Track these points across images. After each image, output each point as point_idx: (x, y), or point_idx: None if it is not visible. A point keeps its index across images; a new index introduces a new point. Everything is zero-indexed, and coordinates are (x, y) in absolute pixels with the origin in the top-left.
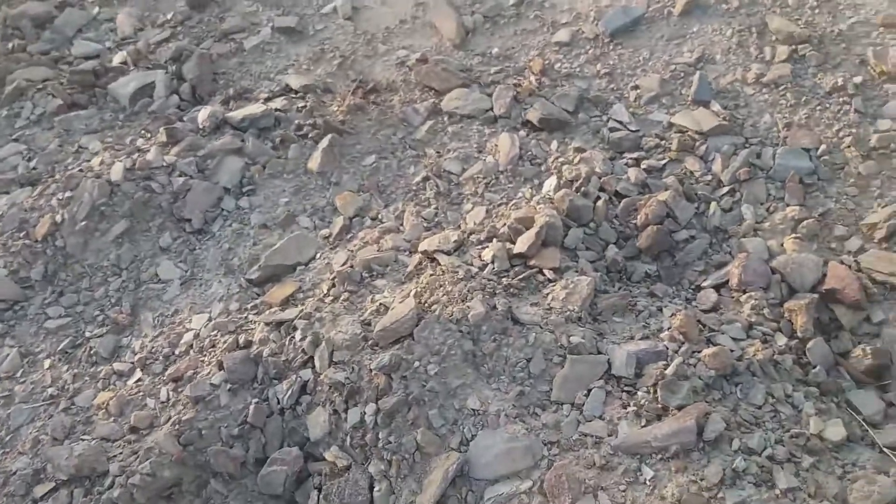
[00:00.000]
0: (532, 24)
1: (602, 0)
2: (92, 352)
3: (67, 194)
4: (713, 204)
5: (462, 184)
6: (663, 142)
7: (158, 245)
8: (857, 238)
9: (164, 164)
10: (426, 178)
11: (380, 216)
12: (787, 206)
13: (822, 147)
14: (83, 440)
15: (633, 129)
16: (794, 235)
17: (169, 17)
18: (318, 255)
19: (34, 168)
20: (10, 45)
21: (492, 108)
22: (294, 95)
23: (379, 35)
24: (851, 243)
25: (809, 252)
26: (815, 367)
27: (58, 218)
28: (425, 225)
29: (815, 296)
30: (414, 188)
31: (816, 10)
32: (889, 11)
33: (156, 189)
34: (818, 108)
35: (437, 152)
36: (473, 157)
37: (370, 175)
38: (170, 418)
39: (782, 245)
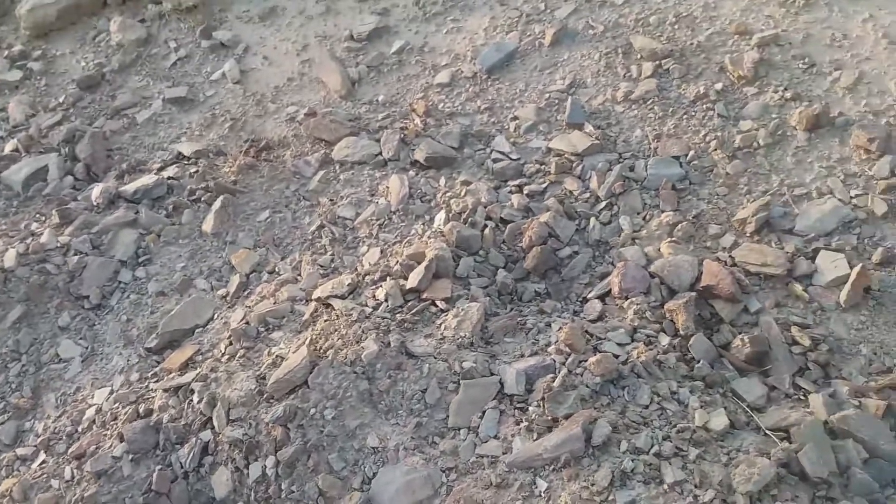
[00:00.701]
0: (414, 69)
1: (477, 39)
2: None
3: None
4: (592, 219)
5: (357, 228)
6: (543, 166)
7: (57, 325)
8: (730, 234)
9: (59, 244)
10: (321, 227)
11: (277, 269)
12: (662, 212)
13: (691, 153)
14: None
15: (515, 157)
16: (669, 239)
17: (61, 100)
18: (215, 316)
19: None
20: None
21: (381, 153)
22: (187, 162)
23: (268, 94)
24: (726, 240)
25: (685, 253)
26: (698, 362)
27: None
28: (321, 272)
29: (693, 294)
30: (310, 237)
31: (676, 26)
32: (741, 20)
33: (51, 270)
34: (684, 116)
35: (331, 200)
36: (366, 201)
37: (265, 230)
38: (74, 497)
39: (659, 250)
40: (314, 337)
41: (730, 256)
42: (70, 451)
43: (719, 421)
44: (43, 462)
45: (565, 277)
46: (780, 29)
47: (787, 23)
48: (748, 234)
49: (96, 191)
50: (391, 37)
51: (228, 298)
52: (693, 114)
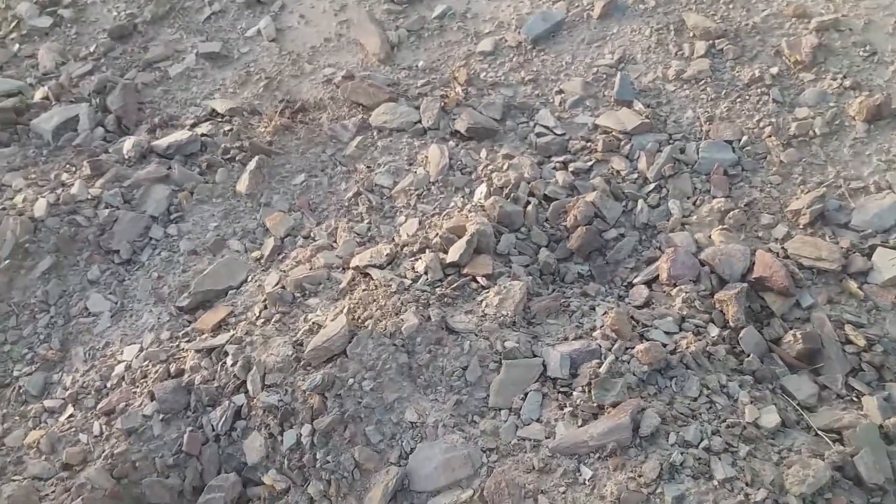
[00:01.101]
0: (456, 36)
1: (523, 7)
2: (21, 391)
3: None
4: (640, 201)
5: (394, 197)
6: (589, 143)
7: (87, 278)
8: (783, 225)
9: (89, 196)
10: (358, 194)
11: (312, 234)
12: (714, 198)
13: (745, 138)
14: (14, 481)
15: (560, 132)
16: (721, 227)
17: (91, 49)
18: (249, 278)
19: None
20: None
21: (420, 121)
22: (220, 119)
23: (304, 55)
24: (778, 230)
25: (737, 242)
26: (748, 356)
27: None
28: (358, 240)
29: (745, 285)
30: (346, 204)
31: (731, 5)
32: (799, 2)
33: (81, 222)
34: (738, 100)
35: (368, 167)
36: (404, 170)
37: (301, 194)
38: (103, 453)
39: (710, 237)
40: (352, 306)
41: (782, 248)
42: (99, 406)
43: (771, 418)
44: (71, 416)
45: (610, 260)
46: (841, 14)
47: (848, 7)
48: (801, 226)
49: (128, 143)
50: (433, 1)
51: (262, 261)
52: (747, 97)
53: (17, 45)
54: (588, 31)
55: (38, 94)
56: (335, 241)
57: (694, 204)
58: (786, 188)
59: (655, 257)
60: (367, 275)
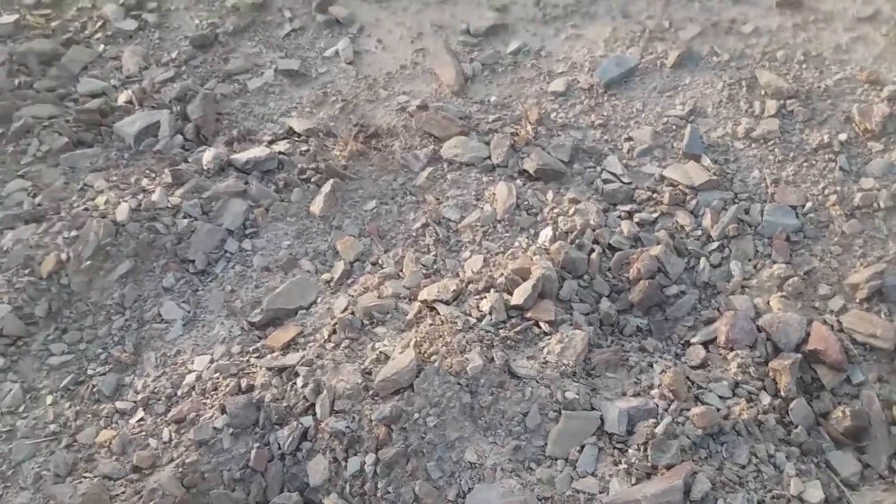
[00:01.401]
0: (529, 73)
1: (597, 49)
2: (94, 389)
3: (73, 233)
4: (703, 259)
5: (460, 231)
6: (655, 195)
7: (162, 285)
8: (839, 297)
9: (169, 205)
10: (425, 225)
11: (380, 261)
12: (774, 263)
13: (809, 204)
14: (85, 478)
15: (626, 181)
16: (780, 294)
17: (174, 55)
18: (319, 300)
19: (39, 205)
20: (16, 82)
21: (489, 157)
22: (297, 139)
23: (380, 80)
24: (834, 302)
25: (794, 311)
26: (796, 427)
27: (63, 256)
28: (424, 272)
29: (799, 356)
30: (413, 234)
31: (804, 65)
32: (873, 68)
33: (160, 230)
34: (805, 164)
35: (437, 199)
36: (471, 205)
37: (371, 220)
38: (172, 459)
39: (768, 303)
40: (419, 339)
41: (837, 321)
42: (170, 414)
43: (815, 493)
44: (141, 419)
45: (669, 317)
46: None
47: None
48: (858, 301)
49: (208, 155)
50: (508, 36)
51: (332, 284)
52: (814, 163)
53: (101, 46)
54: (660, 80)
55: (122, 98)
56: (402, 270)
57: (755, 267)
58: (846, 259)
59: (714, 318)
60: (433, 308)
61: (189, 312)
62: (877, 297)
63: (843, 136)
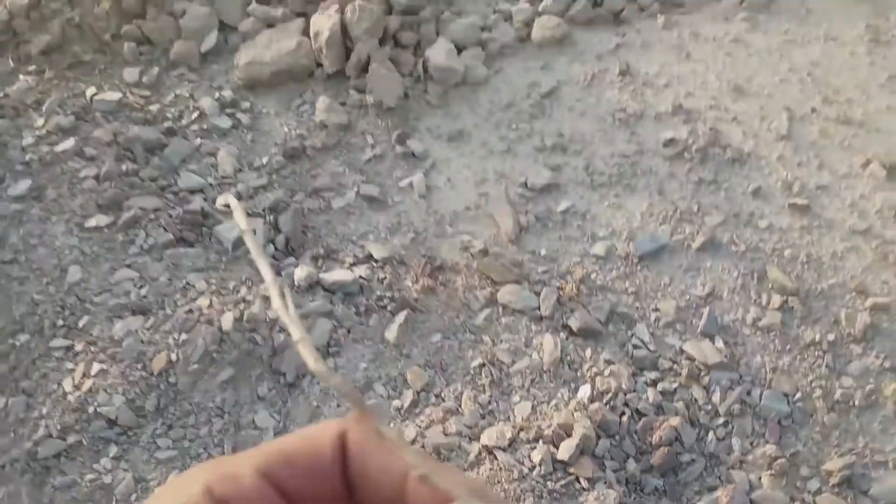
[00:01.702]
0: (575, 233)
1: (634, 221)
2: None
3: (183, 336)
4: (711, 432)
5: (511, 375)
6: (675, 366)
7: (257, 393)
8: (816, 480)
9: (267, 319)
10: (482, 365)
11: (442, 394)
12: (767, 443)
13: (798, 394)
14: None
15: (652, 349)
16: (769, 471)
17: (264, 161)
18: (391, 426)
19: (144, 297)
20: (123, 168)
21: (539, 307)
22: (375, 264)
23: (447, 217)
24: (812, 484)
25: (779, 488)
26: None
27: (173, 356)
28: (481, 412)
29: None
30: (471, 372)
31: (806, 266)
32: (861, 279)
33: (258, 341)
34: (798, 357)
35: (493, 341)
36: (522, 352)
37: (435, 353)
38: None
39: (760, 479)
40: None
41: (814, 501)
42: None
43: None
44: None
45: (681, 481)
46: (893, 298)
47: None
48: (831, 486)
49: (300, 272)
50: (560, 195)
51: (402, 412)
52: (805, 357)
53: (198, 140)
54: (686, 260)
55: (220, 201)
56: (460, 406)
57: (751, 444)
58: (823, 447)
59: (716, 486)
60: (491, 452)
61: (279, 423)
62: (846, 485)
63: (830, 337)
